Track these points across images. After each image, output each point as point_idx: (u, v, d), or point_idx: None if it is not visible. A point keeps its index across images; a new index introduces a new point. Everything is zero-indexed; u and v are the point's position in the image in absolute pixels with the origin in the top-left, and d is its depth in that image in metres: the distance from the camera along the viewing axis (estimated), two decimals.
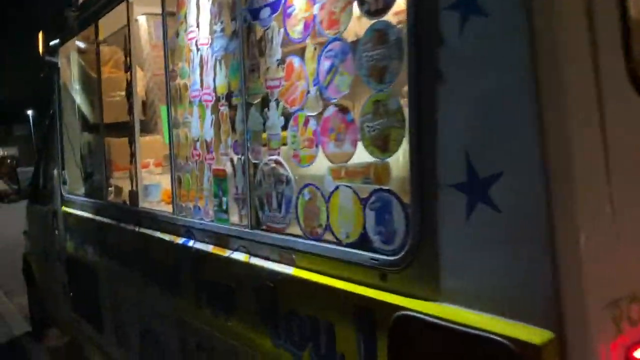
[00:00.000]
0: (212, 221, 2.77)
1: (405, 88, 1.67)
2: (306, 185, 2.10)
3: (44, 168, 6.10)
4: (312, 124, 2.05)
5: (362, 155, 1.85)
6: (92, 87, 4.70)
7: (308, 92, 2.06)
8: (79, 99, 5.08)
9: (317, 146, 2.03)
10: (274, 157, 2.27)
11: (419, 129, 1.59)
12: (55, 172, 5.35)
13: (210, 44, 2.70)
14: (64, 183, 5.12)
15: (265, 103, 2.33)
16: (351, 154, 1.89)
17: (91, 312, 4.52)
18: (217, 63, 2.65)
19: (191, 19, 2.87)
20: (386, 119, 1.73)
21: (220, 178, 2.71)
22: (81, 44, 4.93)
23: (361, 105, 1.82)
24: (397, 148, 1.71)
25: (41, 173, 6.21)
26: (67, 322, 5.34)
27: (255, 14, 2.33)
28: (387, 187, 1.75)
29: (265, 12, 2.25)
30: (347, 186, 1.90)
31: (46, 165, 5.96)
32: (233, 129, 2.60)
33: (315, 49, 2.01)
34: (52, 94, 5.41)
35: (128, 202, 3.83)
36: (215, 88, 2.70)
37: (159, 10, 4.68)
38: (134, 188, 3.72)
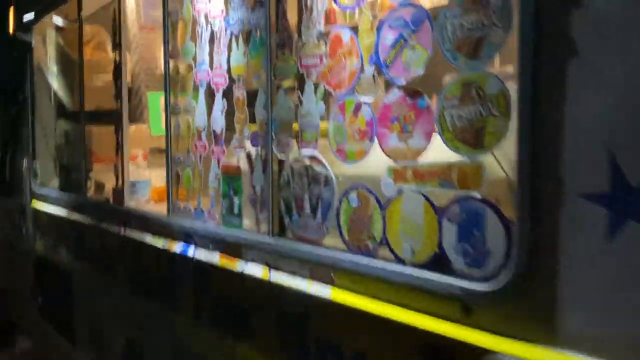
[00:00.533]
0: (219, 225, 2.34)
1: (511, 66, 1.28)
2: (354, 188, 1.70)
3: (10, 158, 5.53)
4: (366, 111, 1.64)
5: (439, 152, 1.45)
6: (72, 70, 4.19)
7: (361, 71, 1.65)
8: (55, 83, 4.55)
9: (371, 139, 1.63)
10: (308, 152, 1.86)
11: (535, 119, 1.20)
12: (25, 163, 4.81)
13: (225, 17, 2.27)
14: (35, 176, 4.58)
15: (298, 86, 1.92)
16: (422, 149, 1.49)
17: (63, 321, 4.02)
18: (234, 39, 2.22)
19: None
20: (481, 105, 1.33)
21: (231, 175, 2.28)
22: (59, 21, 4.42)
23: (443, 87, 1.42)
24: (496, 143, 1.31)
25: (7, 163, 5.63)
26: (34, 330, 4.80)
27: None
28: (477, 194, 1.36)
29: None
30: (415, 191, 1.51)
31: (13, 155, 5.39)
32: (252, 117, 2.17)
33: (374, 17, 1.60)
34: (24, 77, 4.86)
35: (111, 200, 3.35)
36: (229, 69, 2.26)
37: None
38: (119, 184, 3.25)
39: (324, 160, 1.81)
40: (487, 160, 1.35)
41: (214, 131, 2.37)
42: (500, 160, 1.35)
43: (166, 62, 2.72)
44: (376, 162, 1.62)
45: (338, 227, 1.75)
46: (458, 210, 1.40)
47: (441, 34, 1.41)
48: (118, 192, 3.25)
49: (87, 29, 4.17)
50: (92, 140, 3.85)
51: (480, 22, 1.33)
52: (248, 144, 2.20)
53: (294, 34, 1.91)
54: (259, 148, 2.13)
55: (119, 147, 3.26)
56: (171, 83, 2.69)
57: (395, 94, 1.55)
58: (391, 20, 1.54)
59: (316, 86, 1.82)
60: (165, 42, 2.71)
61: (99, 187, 3.64)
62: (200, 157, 2.48)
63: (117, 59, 3.29)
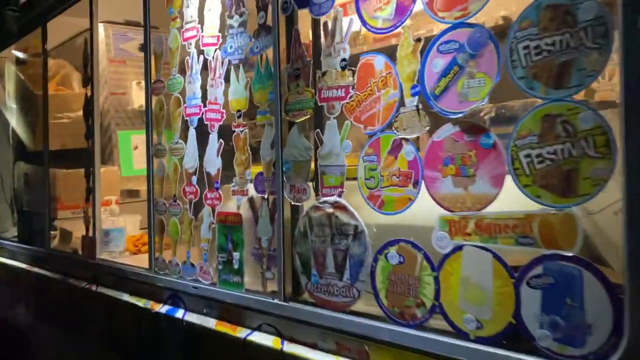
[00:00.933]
0: (215, 285, 2.01)
1: (611, 93, 1.05)
2: (393, 242, 1.41)
3: None
4: (408, 150, 1.37)
5: (512, 200, 1.19)
6: (34, 106, 3.82)
7: (400, 104, 1.39)
8: (14, 120, 4.16)
9: (417, 184, 1.36)
10: (331, 199, 1.57)
11: None
12: None
13: (222, 45, 2.00)
14: None
15: (317, 122, 1.64)
16: (490, 197, 1.22)
17: None
18: (233, 70, 1.94)
19: (190, 13, 2.15)
20: (570, 143, 1.08)
21: (229, 225, 1.96)
22: (20, 53, 4.06)
23: (516, 122, 1.17)
24: (594, 190, 1.06)
25: None
26: None
27: None
28: (569, 253, 1.10)
29: None
30: (480, 247, 1.23)
31: None
32: (255, 158, 1.88)
33: (418, 41, 1.35)
34: None
35: (80, 251, 2.96)
36: (227, 103, 1.98)
37: (120, 17, 3.98)
38: (90, 233, 2.87)
39: (351, 208, 1.52)
40: (582, 210, 1.10)
41: (207, 174, 2.06)
42: (601, 211, 1.10)
43: (148, 98, 2.41)
44: (424, 211, 1.35)
45: (373, 290, 1.46)
46: (543, 273, 1.13)
47: (510, 58, 1.17)
48: (88, 242, 2.87)
49: (51, 63, 3.84)
50: (57, 183, 3.46)
51: (565, 43, 1.09)
52: (251, 189, 1.90)
53: (311, 62, 1.64)
54: (266, 193, 1.83)
55: (90, 191, 2.90)
56: (154, 120, 2.38)
57: (448, 130, 1.29)
58: (441, 44, 1.30)
59: (342, 121, 1.55)
60: (147, 74, 2.41)
61: (65, 236, 3.24)
62: (191, 203, 2.16)
63: (89, 93, 2.95)
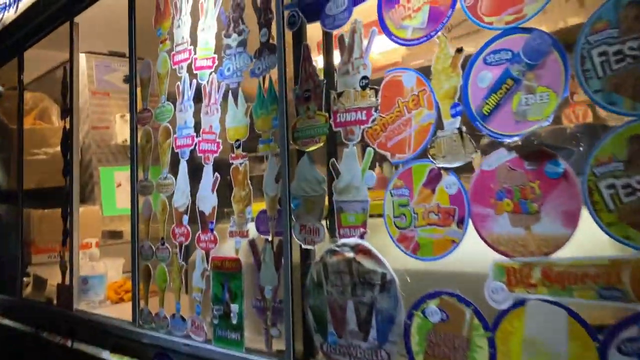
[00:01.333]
0: (210, 342, 1.72)
1: None
2: (433, 295, 1.16)
3: None
4: (450, 181, 1.14)
5: (592, 243, 0.95)
6: (8, 141, 3.56)
7: (437, 126, 1.17)
8: None
9: (462, 222, 1.12)
10: (351, 241, 1.32)
11: None
12: None
13: (218, 68, 1.77)
14: None
15: (332, 150, 1.41)
16: (561, 239, 0.98)
17: None
18: (231, 94, 1.72)
19: (181, 34, 1.94)
20: None
21: (226, 272, 1.70)
22: None
23: (591, 146, 0.95)
24: None
25: None
26: None
27: (312, 9, 1.44)
28: None
29: (337, 5, 1.37)
30: (551, 302, 0.99)
31: None
32: (257, 192, 1.64)
33: (459, 51, 1.13)
34: None
35: (56, 301, 2.65)
36: (224, 132, 1.74)
37: (104, 47, 3.77)
38: (67, 280, 2.57)
39: (377, 253, 1.27)
40: None
41: (200, 213, 1.80)
42: None
43: (133, 128, 2.17)
44: (472, 256, 1.10)
45: (408, 354, 1.19)
46: (636, 336, 0.89)
47: (582, 67, 0.95)
48: (64, 291, 2.56)
49: (29, 96, 3.60)
50: (32, 225, 3.16)
51: None
52: (252, 229, 1.64)
53: (324, 82, 1.42)
54: (269, 235, 1.58)
55: (67, 234, 2.61)
56: (139, 154, 2.13)
57: (502, 156, 1.06)
58: (489, 53, 1.08)
59: (363, 148, 1.31)
60: (132, 103, 2.17)
61: (39, 284, 2.93)
62: (181, 247, 1.89)
63: (67, 126, 2.70)
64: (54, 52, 3.37)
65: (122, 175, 3.63)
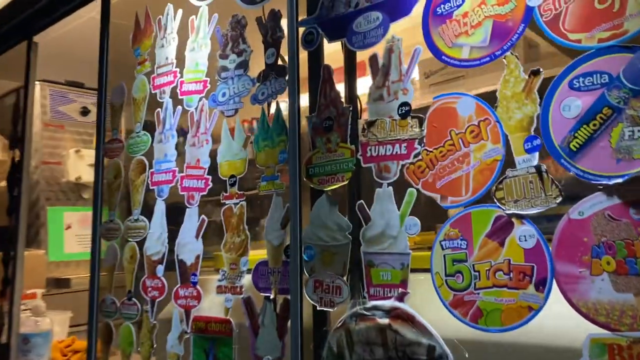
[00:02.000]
0: None
1: None
2: None
3: None
4: (525, 232, 0.92)
5: None
6: None
7: (506, 164, 0.95)
8: None
9: (542, 284, 0.89)
10: (386, 303, 1.07)
11: None
12: None
13: (210, 93, 1.52)
14: None
15: (359, 190, 1.17)
16: None
17: None
18: (225, 123, 1.46)
19: (165, 54, 1.68)
20: None
21: (212, 336, 1.39)
22: None
23: None
24: None
25: None
26: None
27: (336, 26, 1.23)
28: None
29: (368, 20, 1.16)
30: None
31: None
32: (255, 239, 1.37)
33: (535, 74, 0.93)
34: None
35: None
36: (214, 167, 1.47)
37: (59, 76, 3.45)
38: (3, 338, 2.17)
39: (422, 320, 1.02)
40: None
41: (180, 263, 1.51)
42: None
43: (99, 161, 1.86)
44: (556, 326, 0.87)
45: None
46: None
47: None
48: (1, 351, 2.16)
49: None
50: None
51: None
52: (247, 285, 1.36)
53: (349, 110, 1.19)
54: (271, 292, 1.30)
55: (8, 282, 2.23)
56: (105, 191, 1.82)
57: (599, 203, 0.85)
58: (576, 77, 0.88)
59: (405, 188, 1.08)
60: (100, 132, 1.87)
61: None
62: (154, 303, 1.58)
63: (17, 158, 2.36)
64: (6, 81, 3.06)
65: (72, 216, 3.27)
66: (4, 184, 3.04)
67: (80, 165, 3.29)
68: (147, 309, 1.59)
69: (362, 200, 1.13)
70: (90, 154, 3.25)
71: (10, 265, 2.21)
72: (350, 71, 1.26)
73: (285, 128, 1.33)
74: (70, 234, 3.28)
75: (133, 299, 1.65)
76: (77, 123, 3.38)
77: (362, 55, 1.21)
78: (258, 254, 1.36)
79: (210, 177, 1.48)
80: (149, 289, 1.59)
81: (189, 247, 1.50)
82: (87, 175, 3.25)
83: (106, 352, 1.71)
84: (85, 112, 3.45)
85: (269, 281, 1.31)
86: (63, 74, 3.46)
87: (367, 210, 1.12)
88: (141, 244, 1.65)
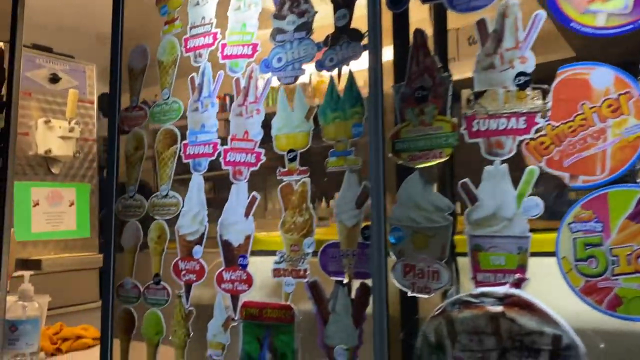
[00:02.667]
0: None
1: None
2: None
3: None
4: None
5: None
6: None
7: None
8: None
9: None
10: (500, 290, 0.98)
11: None
12: None
13: (260, 57, 1.38)
14: None
15: (448, 167, 1.08)
16: None
17: None
18: (282, 91, 1.33)
19: (202, 13, 1.51)
20: None
21: (268, 324, 1.27)
22: None
23: None
24: None
25: None
26: None
27: None
28: None
29: None
30: None
31: None
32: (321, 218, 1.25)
33: None
34: None
35: None
36: (267, 140, 1.34)
37: (28, 39, 3.15)
38: None
39: (544, 307, 0.94)
40: None
41: (225, 244, 1.37)
42: None
43: (114, 132, 1.67)
44: None
45: None
46: None
47: None
48: None
49: None
50: None
51: None
52: (313, 268, 1.24)
53: (449, 78, 1.09)
54: (344, 276, 1.19)
55: None
56: (124, 164, 1.64)
57: None
58: None
59: (514, 167, 1.00)
60: (114, 95, 1.68)
61: None
62: (189, 288, 1.43)
63: (1, 125, 2.10)
64: None
65: (40, 192, 3.01)
66: None
67: (49, 137, 3.02)
68: (181, 293, 1.44)
69: (467, 179, 1.04)
70: (61, 125, 2.99)
71: None
72: (441, 40, 1.16)
73: (361, 98, 1.21)
74: (38, 211, 3.02)
75: (162, 283, 1.49)
76: (44, 90, 3.11)
77: None
78: (324, 235, 1.24)
79: (262, 151, 1.34)
80: (183, 272, 1.44)
81: (237, 227, 1.36)
82: (57, 149, 3.00)
83: (126, 341, 1.54)
84: (55, 79, 3.17)
85: (341, 264, 1.20)
86: (29, 37, 3.16)
87: (473, 189, 1.03)
88: (172, 222, 1.49)
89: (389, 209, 1.12)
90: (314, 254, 1.23)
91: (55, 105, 3.11)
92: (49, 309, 2.40)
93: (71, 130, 3.04)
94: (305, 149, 1.28)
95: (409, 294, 1.09)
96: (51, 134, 3.04)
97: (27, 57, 3.14)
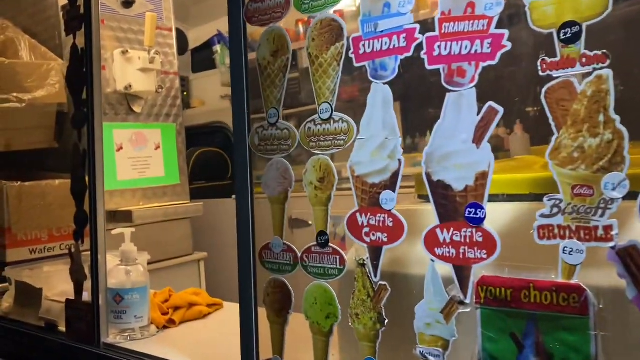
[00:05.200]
0: None
1: None
2: None
3: None
4: None
5: None
6: None
7: None
8: None
9: None
10: None
11: None
12: None
13: None
14: None
15: None
16: None
17: None
18: None
19: None
20: None
21: (534, 313, 0.79)
22: None
23: None
24: None
25: None
26: None
27: None
28: None
29: None
30: None
31: None
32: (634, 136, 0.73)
33: None
34: None
35: (65, 329, 1.64)
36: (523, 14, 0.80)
37: None
38: (87, 295, 1.58)
39: None
40: None
41: (437, 185, 0.88)
42: None
43: (240, 34, 1.17)
44: None
45: None
46: None
47: None
48: (82, 313, 1.57)
49: None
50: (7, 204, 2.12)
51: None
52: (618, 223, 0.73)
53: None
54: None
55: (84, 221, 1.60)
56: (260, 78, 1.15)
57: None
58: None
59: None
60: None
61: (28, 296, 1.89)
62: (379, 253, 0.96)
63: (81, 46, 1.65)
64: None
65: (123, 134, 2.61)
66: (42, 93, 2.38)
67: (129, 71, 2.58)
68: (365, 260, 0.97)
69: None
70: (140, 56, 2.54)
71: (89, 196, 1.57)
72: None
73: None
74: (122, 156, 2.64)
75: (330, 245, 1.02)
76: (119, 17, 2.65)
77: None
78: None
79: (505, 33, 0.82)
80: (366, 229, 0.96)
81: (460, 159, 0.85)
82: (138, 84, 2.56)
83: (280, 325, 1.10)
84: (128, 2, 2.70)
85: None
86: None
87: None
88: (340, 159, 1.01)
89: None
90: (628, 197, 0.72)
91: (131, 33, 2.66)
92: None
93: (152, 61, 2.59)
94: (600, 18, 0.74)
95: None
96: (130, 67, 2.61)
97: None
